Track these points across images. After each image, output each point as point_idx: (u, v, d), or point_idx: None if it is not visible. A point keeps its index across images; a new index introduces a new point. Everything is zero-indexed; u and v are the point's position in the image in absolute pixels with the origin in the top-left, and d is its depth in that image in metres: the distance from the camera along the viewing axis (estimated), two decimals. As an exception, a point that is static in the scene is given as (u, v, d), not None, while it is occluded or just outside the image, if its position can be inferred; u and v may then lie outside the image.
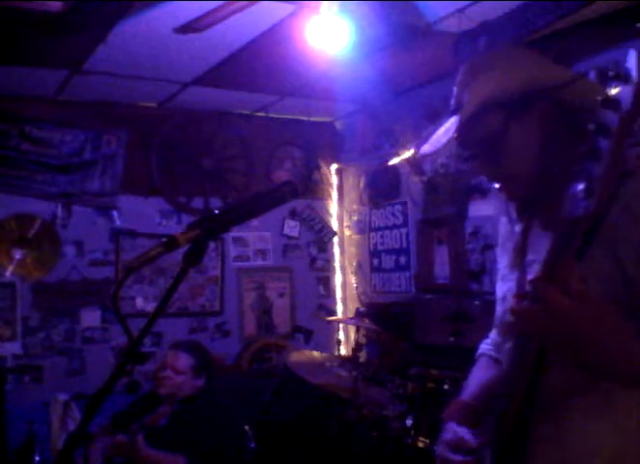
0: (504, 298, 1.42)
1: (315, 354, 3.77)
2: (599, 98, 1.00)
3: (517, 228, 1.40)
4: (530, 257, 1.33)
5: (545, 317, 0.97)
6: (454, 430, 1.40)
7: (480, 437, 1.33)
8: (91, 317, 4.74)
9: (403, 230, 5.09)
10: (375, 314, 4.82)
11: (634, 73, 3.26)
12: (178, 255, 1.19)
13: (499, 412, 1.17)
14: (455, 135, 1.28)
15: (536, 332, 1.02)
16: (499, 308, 1.46)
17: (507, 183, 1.30)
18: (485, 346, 1.61)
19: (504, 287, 1.44)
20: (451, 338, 3.59)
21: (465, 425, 1.39)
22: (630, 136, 0.97)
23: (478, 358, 1.61)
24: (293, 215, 5.52)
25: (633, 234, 1.15)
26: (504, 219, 1.50)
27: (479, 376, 1.52)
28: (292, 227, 5.54)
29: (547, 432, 1.19)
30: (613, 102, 0.97)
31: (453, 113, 1.31)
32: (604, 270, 1.16)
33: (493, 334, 1.59)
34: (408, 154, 4.79)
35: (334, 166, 5.75)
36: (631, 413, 1.15)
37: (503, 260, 1.47)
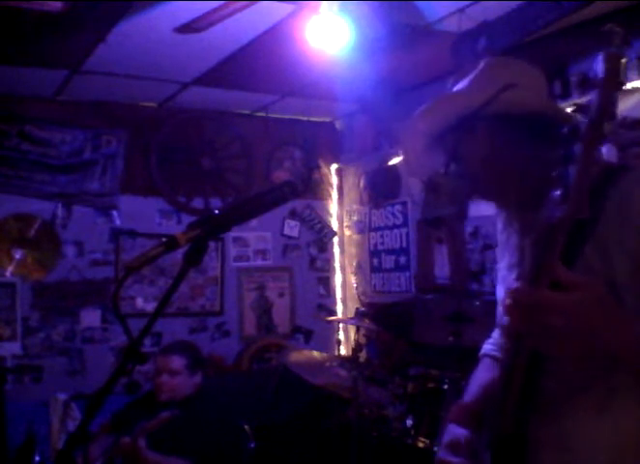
0: (503, 300, 1.41)
1: (315, 354, 3.77)
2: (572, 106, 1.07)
3: (513, 232, 1.42)
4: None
5: (542, 313, 0.94)
6: (454, 432, 1.40)
7: (480, 439, 1.32)
8: (91, 317, 4.74)
9: (403, 230, 5.09)
10: (375, 314, 4.81)
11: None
12: (178, 255, 1.19)
13: (494, 413, 1.16)
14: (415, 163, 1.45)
15: (532, 329, 0.99)
16: (500, 309, 1.46)
17: (480, 194, 1.41)
18: (488, 346, 1.60)
19: (503, 288, 1.44)
20: (451, 338, 3.58)
21: (466, 428, 1.38)
22: (600, 138, 0.99)
23: (480, 358, 1.60)
24: (293, 215, 5.52)
25: (627, 240, 1.11)
26: (502, 219, 1.52)
27: (480, 377, 1.52)
28: (292, 227, 5.54)
29: (548, 435, 1.18)
30: (583, 107, 1.01)
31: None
32: (594, 268, 1.13)
33: (495, 334, 1.59)
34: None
35: (334, 166, 5.76)
36: (630, 412, 1.14)
37: (503, 261, 1.47)
